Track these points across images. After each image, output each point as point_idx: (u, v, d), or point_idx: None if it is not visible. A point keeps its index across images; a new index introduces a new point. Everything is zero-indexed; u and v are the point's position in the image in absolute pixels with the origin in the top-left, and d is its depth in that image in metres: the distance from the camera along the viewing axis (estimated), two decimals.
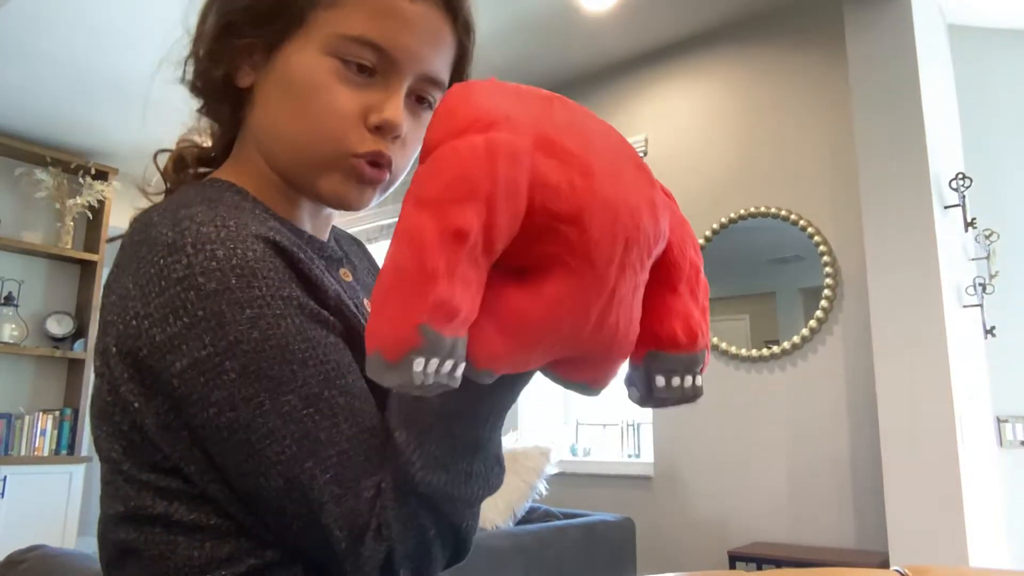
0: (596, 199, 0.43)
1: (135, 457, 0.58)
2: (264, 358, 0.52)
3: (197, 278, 0.53)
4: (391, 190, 0.69)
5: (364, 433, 0.54)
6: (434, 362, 0.39)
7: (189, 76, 0.70)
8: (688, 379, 0.50)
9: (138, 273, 0.56)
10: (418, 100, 0.67)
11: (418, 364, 0.38)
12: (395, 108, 0.63)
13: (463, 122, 0.43)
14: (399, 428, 0.53)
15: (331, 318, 0.58)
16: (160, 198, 0.73)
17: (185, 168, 0.73)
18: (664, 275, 0.50)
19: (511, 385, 0.52)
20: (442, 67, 0.66)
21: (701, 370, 0.51)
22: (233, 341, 0.52)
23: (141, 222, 0.59)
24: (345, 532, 0.51)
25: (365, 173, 0.64)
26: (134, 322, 0.55)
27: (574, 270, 0.43)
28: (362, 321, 0.64)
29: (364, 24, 0.62)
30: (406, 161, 0.68)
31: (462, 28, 0.67)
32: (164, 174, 0.73)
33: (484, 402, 0.52)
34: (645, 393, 0.50)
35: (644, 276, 0.47)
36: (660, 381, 0.50)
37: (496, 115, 0.44)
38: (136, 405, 0.56)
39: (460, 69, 0.70)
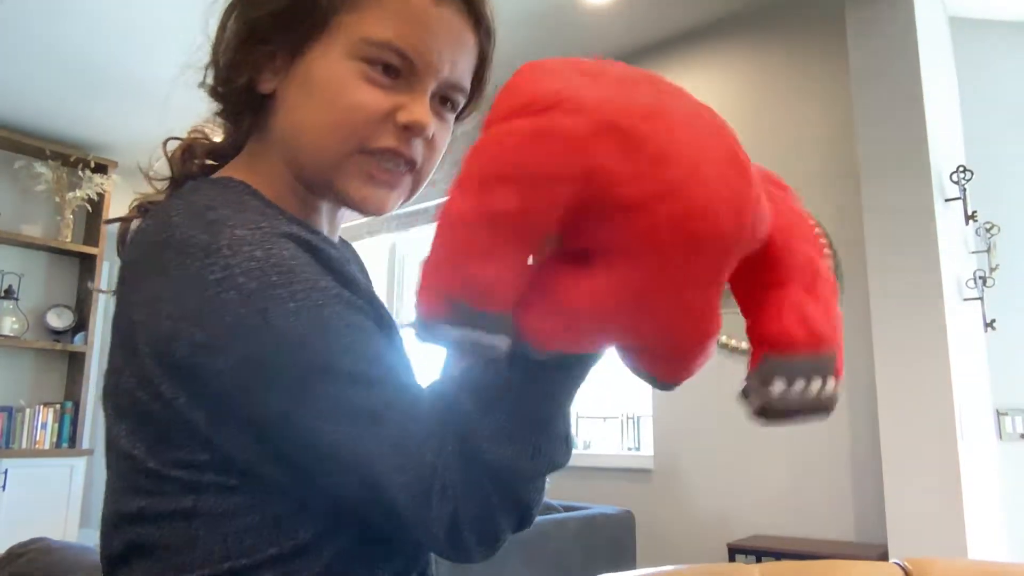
0: (663, 188, 0.41)
1: (163, 453, 0.58)
2: (310, 347, 0.53)
3: (238, 278, 0.54)
4: (417, 192, 0.70)
5: (416, 401, 0.55)
6: (468, 331, 0.41)
7: (210, 81, 0.70)
8: (816, 383, 0.46)
9: (168, 274, 0.56)
10: (441, 102, 0.68)
11: (450, 332, 0.41)
12: (423, 109, 0.64)
13: (519, 102, 0.43)
14: (467, 396, 0.53)
15: (366, 305, 0.60)
16: (161, 184, 0.73)
17: (192, 159, 0.73)
18: (770, 271, 0.48)
19: (582, 363, 0.52)
20: (465, 71, 0.67)
21: (835, 375, 0.47)
22: (280, 334, 0.53)
23: (159, 221, 0.60)
24: (410, 498, 0.52)
25: (375, 174, 0.65)
26: (168, 322, 0.56)
27: (631, 260, 0.42)
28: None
29: (389, 28, 0.62)
30: (432, 163, 0.69)
31: (484, 33, 0.68)
32: (171, 162, 0.74)
33: (554, 378, 0.52)
34: (762, 403, 0.46)
35: (724, 274, 0.44)
36: (778, 387, 0.46)
37: (556, 97, 0.42)
38: (182, 401, 0.56)
39: (480, 74, 0.70)
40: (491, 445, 0.52)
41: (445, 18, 0.64)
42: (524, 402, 0.52)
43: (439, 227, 0.42)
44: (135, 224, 0.69)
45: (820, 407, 0.46)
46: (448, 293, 0.40)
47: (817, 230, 0.52)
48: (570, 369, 0.52)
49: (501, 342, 0.42)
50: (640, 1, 3.27)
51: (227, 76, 0.68)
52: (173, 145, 0.74)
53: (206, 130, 0.75)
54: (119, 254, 0.69)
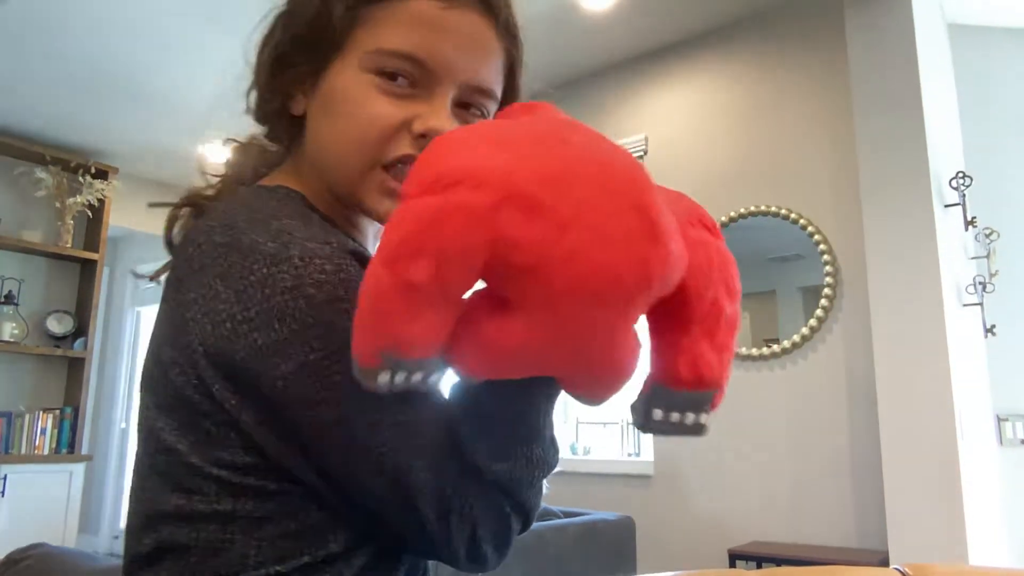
0: (562, 253, 0.45)
1: (207, 451, 0.58)
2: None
3: (307, 288, 0.56)
4: None
5: (446, 423, 0.58)
6: (400, 375, 0.48)
7: (252, 106, 0.72)
8: (689, 416, 0.53)
9: (231, 277, 0.57)
10: (465, 107, 0.67)
11: (383, 378, 0.48)
12: (440, 116, 0.63)
13: (428, 179, 0.47)
14: (464, 421, 0.57)
15: None
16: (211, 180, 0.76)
17: (248, 162, 0.76)
18: (677, 313, 0.52)
19: (549, 384, 0.56)
20: (488, 74, 0.66)
21: (710, 408, 0.53)
22: (341, 346, 0.54)
23: (222, 223, 0.60)
24: (436, 514, 0.56)
25: (394, 187, 0.64)
26: (228, 324, 0.57)
27: (535, 313, 0.47)
28: None
29: (400, 37, 0.62)
30: None
31: (504, 31, 0.66)
32: (227, 162, 0.76)
33: (534, 395, 0.57)
34: (642, 422, 0.53)
35: (632, 318, 0.49)
36: (657, 414, 0.53)
37: (461, 173, 0.46)
38: (233, 402, 0.57)
39: (513, 75, 0.70)
40: (490, 463, 0.57)
41: (458, 21, 0.63)
42: (509, 422, 0.57)
43: (364, 292, 0.47)
44: (183, 219, 0.72)
45: (687, 433, 0.54)
46: (380, 348, 0.47)
47: (732, 271, 0.57)
48: (540, 388, 0.57)
49: (434, 379, 0.50)
50: (641, 7, 3.28)
51: (262, 100, 0.70)
52: (227, 147, 0.77)
53: (264, 141, 0.76)
54: (168, 246, 0.70)
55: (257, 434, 0.58)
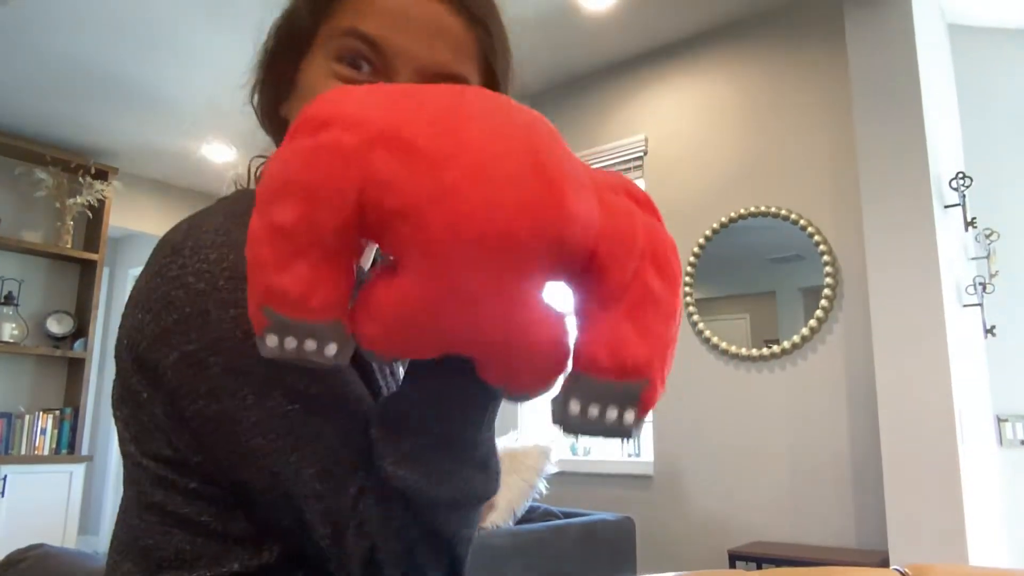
0: (438, 195, 0.41)
1: (142, 445, 0.59)
2: (247, 355, 0.53)
3: (188, 277, 0.55)
4: None
5: (352, 432, 0.54)
6: (290, 340, 0.44)
7: (255, 109, 0.72)
8: (612, 411, 0.45)
9: (146, 272, 0.59)
10: None
11: (271, 340, 0.44)
12: None
13: (301, 122, 0.45)
14: (376, 424, 0.53)
15: None
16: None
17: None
18: (594, 287, 0.46)
19: (479, 386, 0.50)
20: (449, 61, 0.63)
21: (638, 405, 0.45)
22: (217, 338, 0.54)
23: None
24: (328, 528, 0.52)
25: None
26: (139, 314, 0.58)
27: (416, 266, 0.43)
28: None
29: (359, 20, 0.61)
30: None
31: (472, 20, 0.64)
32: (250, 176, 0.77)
33: (453, 398, 0.52)
34: (559, 417, 0.46)
35: (529, 280, 0.44)
36: (574, 407, 0.45)
37: (334, 116, 0.44)
38: (145, 395, 0.58)
39: (490, 66, 0.67)
40: (395, 469, 0.51)
41: (420, 9, 0.62)
42: (431, 424, 0.52)
43: (246, 246, 0.45)
44: None
45: (610, 433, 0.45)
46: (259, 302, 0.44)
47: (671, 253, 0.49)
48: (465, 386, 0.51)
49: (330, 350, 0.45)
50: (640, 7, 3.28)
51: (257, 101, 0.71)
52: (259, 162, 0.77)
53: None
54: None
55: (167, 426, 0.57)
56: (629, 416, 0.45)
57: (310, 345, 0.44)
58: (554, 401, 0.46)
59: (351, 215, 0.43)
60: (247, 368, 0.53)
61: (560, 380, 0.47)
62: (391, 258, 0.46)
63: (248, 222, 0.49)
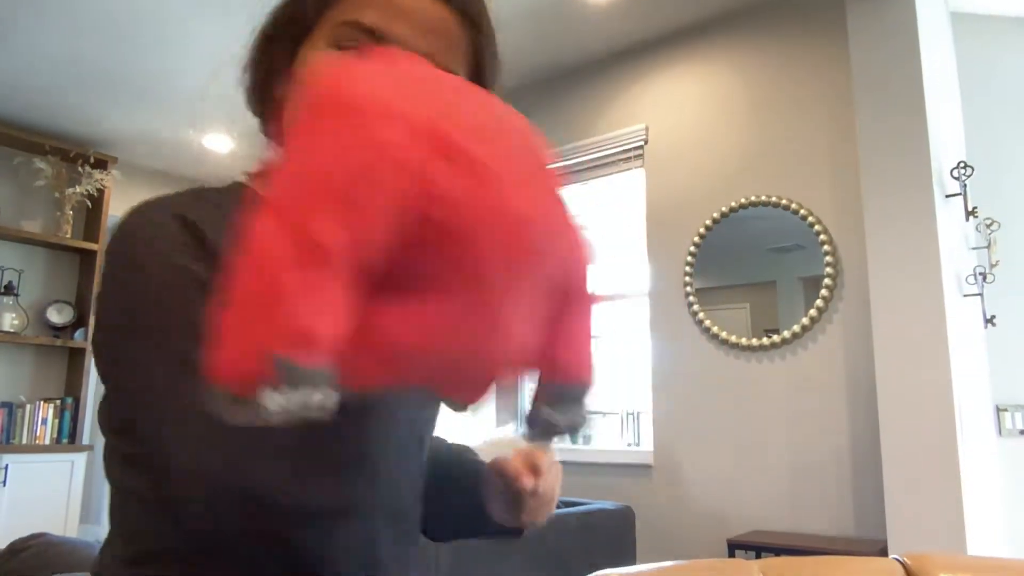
0: (493, 214, 0.37)
1: (102, 416, 0.63)
2: (146, 316, 0.56)
3: (107, 256, 0.60)
4: None
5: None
6: (294, 397, 0.33)
7: (243, 89, 0.73)
8: (577, 411, 0.48)
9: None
10: None
11: (272, 400, 0.32)
12: None
13: (317, 103, 0.36)
14: None
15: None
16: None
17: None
18: (567, 299, 0.45)
19: None
20: (444, 59, 0.64)
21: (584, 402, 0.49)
22: (123, 303, 0.57)
23: None
24: (186, 485, 0.52)
25: None
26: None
27: (460, 291, 0.37)
28: None
29: (360, 12, 0.63)
30: None
31: (467, 21, 0.66)
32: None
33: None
34: (540, 429, 0.46)
35: (539, 301, 0.41)
36: (551, 414, 0.46)
37: (359, 99, 0.36)
38: (100, 370, 0.61)
39: (480, 68, 0.68)
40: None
41: (420, 6, 0.63)
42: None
43: (245, 260, 0.34)
44: None
45: (572, 431, 0.48)
46: (266, 349, 0.32)
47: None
48: None
49: (331, 400, 0.35)
50: None
51: (247, 79, 0.71)
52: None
53: None
54: None
55: (111, 397, 0.61)
56: (584, 412, 0.48)
57: (316, 399, 0.34)
58: (533, 420, 0.47)
59: (404, 232, 0.36)
60: (143, 329, 0.56)
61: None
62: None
63: (200, 195, 0.52)
